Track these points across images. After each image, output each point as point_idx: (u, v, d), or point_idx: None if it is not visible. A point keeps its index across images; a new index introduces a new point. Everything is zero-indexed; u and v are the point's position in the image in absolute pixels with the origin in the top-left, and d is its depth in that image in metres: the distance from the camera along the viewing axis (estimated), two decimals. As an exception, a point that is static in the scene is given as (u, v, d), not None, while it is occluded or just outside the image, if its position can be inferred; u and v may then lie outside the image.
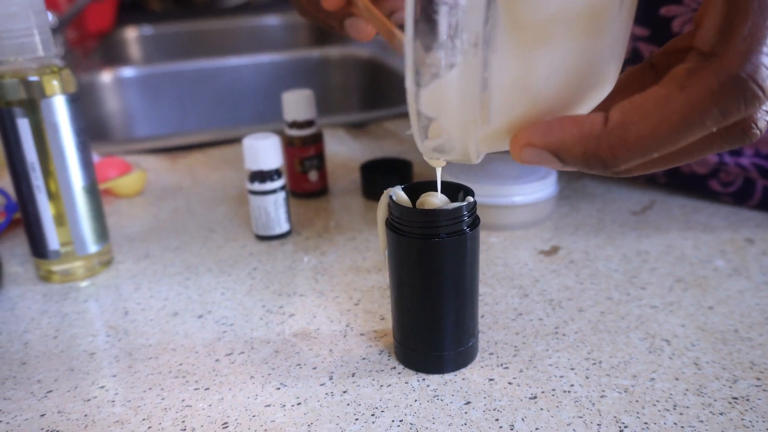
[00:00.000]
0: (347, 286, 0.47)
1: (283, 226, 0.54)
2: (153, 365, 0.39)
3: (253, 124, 0.81)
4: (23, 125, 0.45)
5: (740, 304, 0.42)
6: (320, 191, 0.63)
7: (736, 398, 0.34)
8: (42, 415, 0.35)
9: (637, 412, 0.33)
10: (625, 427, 0.32)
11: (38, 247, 0.48)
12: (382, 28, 0.36)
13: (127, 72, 1.09)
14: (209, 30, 1.42)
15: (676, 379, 0.36)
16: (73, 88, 0.46)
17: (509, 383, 0.36)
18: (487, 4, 0.24)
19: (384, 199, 0.36)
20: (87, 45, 1.24)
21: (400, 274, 0.36)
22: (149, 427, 0.34)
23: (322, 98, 1.13)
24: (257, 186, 0.52)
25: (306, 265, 0.50)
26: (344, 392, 0.36)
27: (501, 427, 0.33)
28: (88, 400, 0.36)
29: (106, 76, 1.07)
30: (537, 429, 0.33)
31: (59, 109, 0.45)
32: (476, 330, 0.38)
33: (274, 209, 0.53)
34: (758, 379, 0.36)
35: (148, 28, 1.38)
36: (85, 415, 0.35)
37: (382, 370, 0.37)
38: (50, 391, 0.37)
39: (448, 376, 0.37)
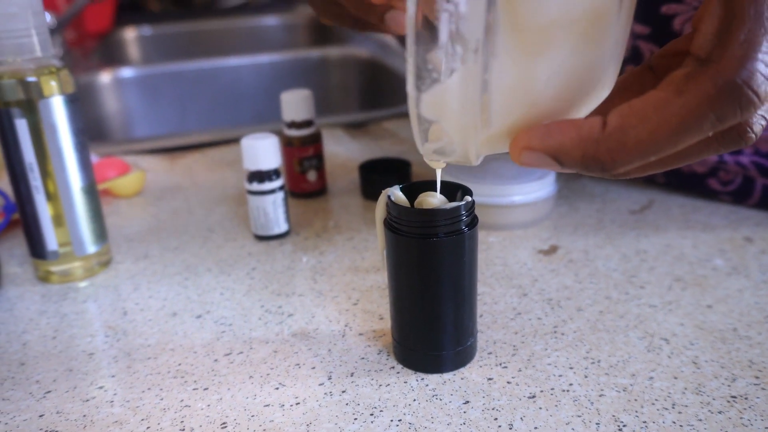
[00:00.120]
0: (346, 286, 0.47)
1: (282, 226, 0.54)
2: (152, 365, 0.39)
3: (253, 125, 0.81)
4: (21, 126, 0.45)
5: (739, 303, 0.42)
6: (319, 191, 0.63)
7: (734, 397, 0.34)
8: (41, 416, 0.35)
9: (636, 411, 0.33)
10: (624, 425, 0.32)
11: (37, 248, 0.48)
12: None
13: (126, 72, 1.09)
14: (208, 30, 1.42)
15: (675, 378, 0.36)
16: (71, 88, 0.46)
17: (508, 382, 0.36)
18: (486, 12, 0.24)
19: (382, 199, 0.36)
20: (86, 45, 1.24)
21: (399, 274, 0.36)
22: (148, 428, 0.34)
23: (322, 98, 1.13)
24: (256, 186, 0.52)
25: (305, 265, 0.50)
26: (343, 392, 0.36)
27: (500, 426, 0.33)
28: (87, 400, 0.36)
29: (105, 77, 1.07)
30: (536, 428, 0.33)
31: (57, 110, 0.45)
32: (475, 329, 0.38)
33: (272, 209, 0.53)
34: (757, 377, 0.36)
35: (147, 28, 1.37)
36: (84, 416, 0.35)
37: (381, 370, 0.37)
38: (49, 392, 0.37)
39: (446, 376, 0.37)
